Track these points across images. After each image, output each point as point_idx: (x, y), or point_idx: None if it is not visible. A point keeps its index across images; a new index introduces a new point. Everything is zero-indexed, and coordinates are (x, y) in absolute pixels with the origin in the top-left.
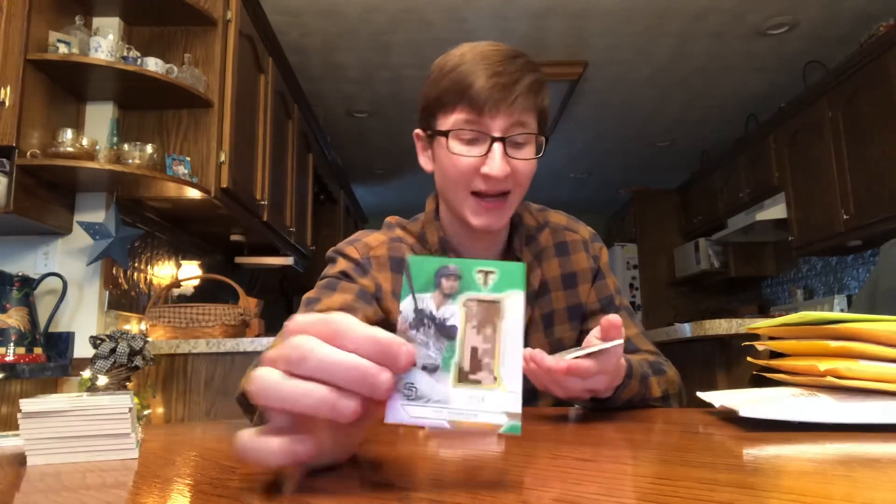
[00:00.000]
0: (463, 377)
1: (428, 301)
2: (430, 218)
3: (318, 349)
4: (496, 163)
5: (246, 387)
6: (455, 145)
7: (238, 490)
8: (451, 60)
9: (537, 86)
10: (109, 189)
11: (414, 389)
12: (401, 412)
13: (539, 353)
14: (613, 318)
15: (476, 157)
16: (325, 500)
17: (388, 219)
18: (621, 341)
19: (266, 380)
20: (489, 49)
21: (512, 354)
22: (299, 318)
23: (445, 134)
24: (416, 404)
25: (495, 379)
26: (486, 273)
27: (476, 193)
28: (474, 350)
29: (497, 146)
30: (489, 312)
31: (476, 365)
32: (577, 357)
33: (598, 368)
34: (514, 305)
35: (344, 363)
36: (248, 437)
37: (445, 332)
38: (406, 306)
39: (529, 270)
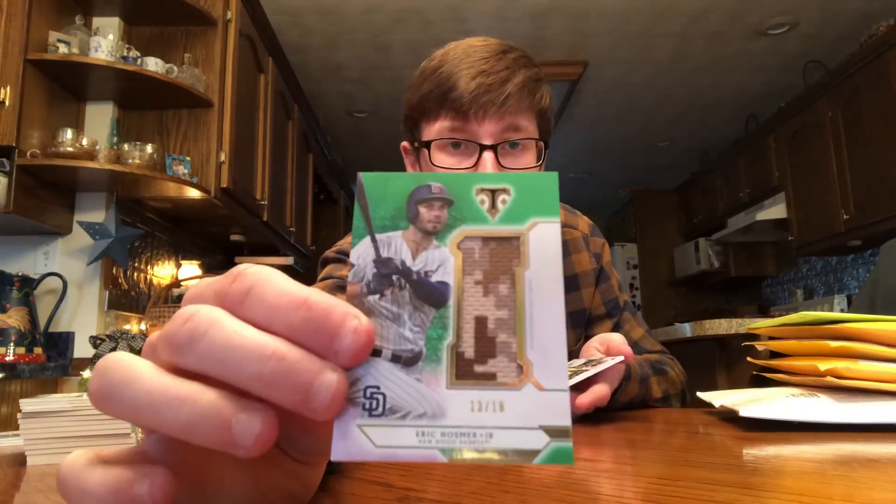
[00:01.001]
0: (464, 370)
1: (397, 243)
2: None
3: (217, 324)
4: None
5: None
6: (440, 157)
7: None
8: (433, 61)
9: (532, 84)
10: (109, 189)
11: (379, 398)
12: (358, 440)
13: None
14: (615, 341)
15: (463, 170)
16: (325, 501)
17: None
18: (622, 357)
19: (127, 374)
20: (476, 45)
21: (547, 326)
22: (204, 280)
23: (427, 145)
24: (383, 423)
25: (521, 369)
26: (494, 192)
27: None
28: (481, 322)
29: (487, 156)
30: (503, 257)
31: (486, 347)
32: (580, 376)
33: (610, 387)
34: (547, 242)
35: (248, 346)
36: (73, 462)
37: (429, 294)
38: (360, 255)
39: None
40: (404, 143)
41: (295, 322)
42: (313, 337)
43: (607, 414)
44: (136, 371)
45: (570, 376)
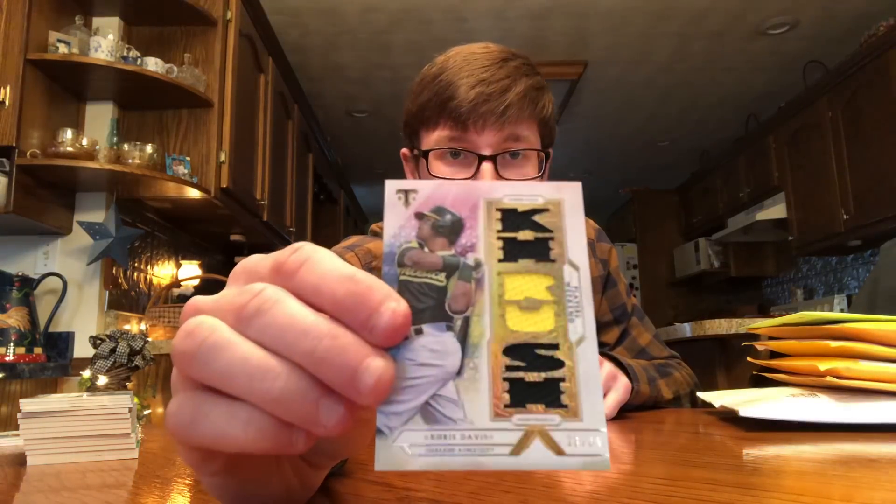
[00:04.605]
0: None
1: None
2: None
3: (281, 302)
4: None
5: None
6: (438, 166)
7: None
8: (434, 68)
9: (534, 92)
10: (109, 189)
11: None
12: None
13: None
14: None
15: (461, 180)
16: (324, 501)
17: (374, 226)
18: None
19: (219, 339)
20: (477, 52)
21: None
22: (256, 255)
23: (426, 154)
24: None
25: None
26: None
27: None
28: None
29: (486, 166)
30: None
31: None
32: None
33: (618, 401)
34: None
35: (306, 324)
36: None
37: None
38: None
39: None
40: (404, 151)
41: (339, 293)
42: (354, 309)
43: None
44: (227, 337)
45: None
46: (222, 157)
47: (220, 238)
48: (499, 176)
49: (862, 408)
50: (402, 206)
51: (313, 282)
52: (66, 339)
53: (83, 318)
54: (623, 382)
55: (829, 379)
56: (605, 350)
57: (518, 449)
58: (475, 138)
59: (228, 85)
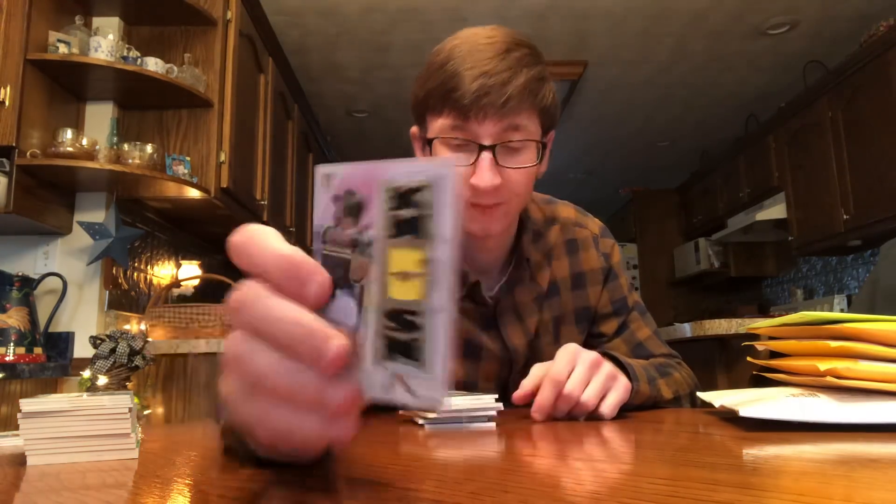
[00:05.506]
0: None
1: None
2: None
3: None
4: (484, 175)
5: None
6: (442, 152)
7: (238, 490)
8: (441, 55)
9: (535, 83)
10: (109, 189)
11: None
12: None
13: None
14: (557, 365)
15: (463, 167)
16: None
17: None
18: (495, 403)
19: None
20: (483, 41)
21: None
22: None
23: (430, 142)
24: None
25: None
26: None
27: (469, 203)
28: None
29: (486, 156)
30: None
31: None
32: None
33: (618, 400)
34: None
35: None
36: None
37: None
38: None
39: (538, 270)
40: (413, 129)
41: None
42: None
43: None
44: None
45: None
46: (222, 157)
47: (220, 238)
48: (497, 164)
49: (862, 408)
50: (324, 190)
51: (255, 268)
52: (66, 339)
53: (83, 318)
54: (623, 382)
55: (829, 379)
56: (602, 340)
57: (387, 389)
58: (476, 128)
59: (228, 85)
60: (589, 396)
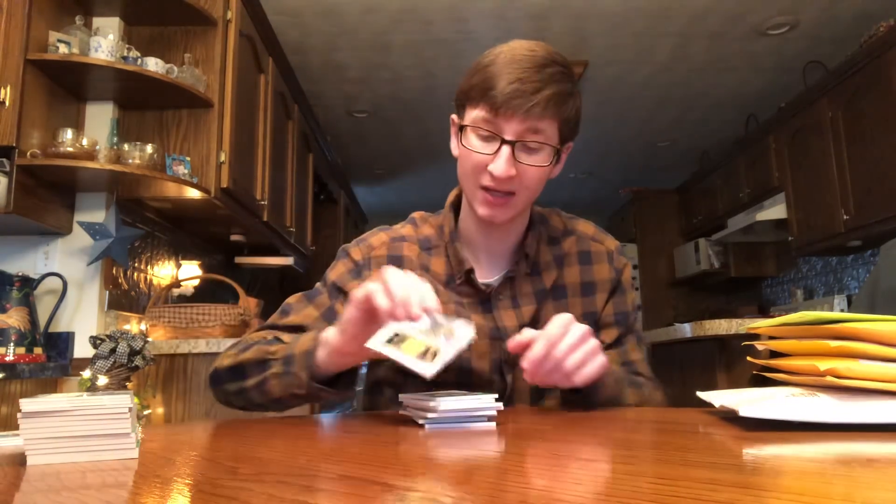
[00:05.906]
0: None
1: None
2: (446, 209)
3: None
4: (500, 164)
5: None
6: (471, 139)
7: (238, 490)
8: (487, 58)
9: (561, 97)
10: (109, 189)
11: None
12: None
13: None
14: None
15: (486, 155)
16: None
17: (414, 214)
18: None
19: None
20: (523, 53)
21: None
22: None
23: (463, 128)
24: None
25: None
26: None
27: (484, 187)
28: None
29: (505, 148)
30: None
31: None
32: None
33: (601, 368)
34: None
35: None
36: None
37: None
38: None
39: (545, 270)
40: (453, 116)
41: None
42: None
43: (608, 414)
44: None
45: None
46: (222, 158)
47: (220, 238)
48: (514, 158)
49: (862, 408)
50: None
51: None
52: (66, 339)
53: (83, 319)
54: (602, 359)
55: (829, 379)
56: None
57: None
58: (503, 124)
59: (228, 85)
60: (572, 363)
